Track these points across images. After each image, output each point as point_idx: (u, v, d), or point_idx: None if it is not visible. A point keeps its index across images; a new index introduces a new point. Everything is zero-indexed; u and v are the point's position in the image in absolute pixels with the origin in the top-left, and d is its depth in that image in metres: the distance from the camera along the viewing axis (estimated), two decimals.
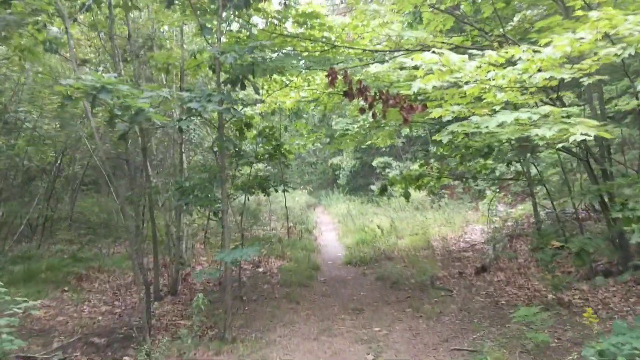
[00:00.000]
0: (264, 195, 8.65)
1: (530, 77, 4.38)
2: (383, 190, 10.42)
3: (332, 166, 27.01)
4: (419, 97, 7.16)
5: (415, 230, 12.82)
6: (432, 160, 10.17)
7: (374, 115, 6.85)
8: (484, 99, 4.94)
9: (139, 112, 4.27)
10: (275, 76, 9.48)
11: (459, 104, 5.18)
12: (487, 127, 4.07)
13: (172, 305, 7.24)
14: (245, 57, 5.56)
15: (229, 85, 6.02)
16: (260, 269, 9.61)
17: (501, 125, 4.10)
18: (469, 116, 5.16)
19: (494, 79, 4.45)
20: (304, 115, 13.94)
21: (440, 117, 5.15)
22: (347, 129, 9.91)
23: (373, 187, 20.40)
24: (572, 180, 13.28)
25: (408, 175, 10.39)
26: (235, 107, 5.54)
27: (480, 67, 4.21)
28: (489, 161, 11.09)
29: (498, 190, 14.75)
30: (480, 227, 14.38)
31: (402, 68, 7.04)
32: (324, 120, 19.13)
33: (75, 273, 8.97)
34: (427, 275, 8.61)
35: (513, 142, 8.54)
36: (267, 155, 8.53)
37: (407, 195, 10.38)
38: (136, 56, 7.55)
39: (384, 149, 24.24)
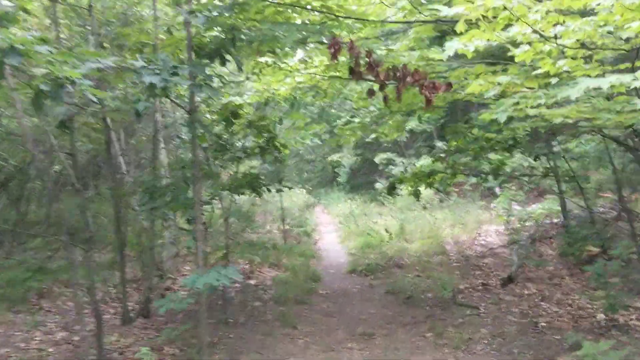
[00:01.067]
0: (255, 197, 7.41)
1: (611, 31, 3.14)
2: (392, 189, 9.16)
3: (332, 163, 25.76)
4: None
5: (425, 233, 11.58)
6: (446, 155, 8.91)
7: (385, 99, 5.62)
8: (538, 68, 3.69)
9: (63, 85, 3.02)
10: (266, 59, 8.26)
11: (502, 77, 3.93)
12: (566, 96, 2.81)
13: (141, 330, 6.00)
14: (222, 20, 4.31)
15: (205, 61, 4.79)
16: (252, 281, 8.37)
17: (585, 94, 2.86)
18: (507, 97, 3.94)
19: (559, 37, 3.21)
20: (302, 106, 12.66)
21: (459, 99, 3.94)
22: (349, 120, 8.65)
23: (377, 185, 19.16)
24: (593, 173, 12.10)
25: (419, 171, 9.17)
26: (211, 84, 4.29)
27: (548, 13, 2.96)
28: (506, 155, 9.93)
29: (526, 187, 13.54)
30: (495, 228, 13.17)
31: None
32: (323, 114, 17.85)
33: (38, 289, 7.71)
34: (445, 287, 7.38)
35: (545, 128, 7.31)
36: (258, 150, 7.31)
37: (417, 194, 9.19)
38: (98, 35, 6.29)
39: (386, 145, 22.99)
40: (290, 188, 7.61)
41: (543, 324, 5.75)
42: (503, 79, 3.53)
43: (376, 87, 5.52)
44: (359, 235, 12.60)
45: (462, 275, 8.38)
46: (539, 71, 3.68)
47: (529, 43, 3.38)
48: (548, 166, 9.06)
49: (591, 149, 11.75)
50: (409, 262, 9.54)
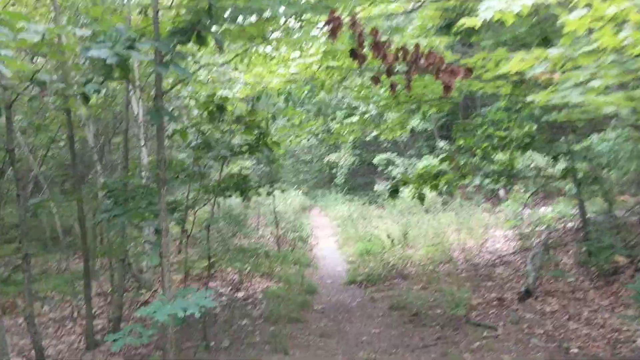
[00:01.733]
0: (243, 201, 6.59)
1: None
2: (394, 192, 8.36)
3: (329, 164, 24.95)
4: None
5: (430, 238, 10.77)
6: (455, 154, 8.12)
7: (393, 87, 4.81)
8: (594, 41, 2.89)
9: None
10: (256, 49, 7.47)
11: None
12: None
13: (108, 356, 5.17)
14: None
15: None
16: (241, 294, 7.54)
17: None
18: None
19: None
20: (298, 103, 11.86)
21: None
22: (350, 114, 7.82)
23: (377, 187, 18.36)
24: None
25: (424, 173, 8.39)
26: (180, 63, 3.47)
27: None
28: (514, 155, 9.19)
29: (532, 189, 12.75)
30: (502, 233, 12.38)
31: None
32: (321, 111, 17.05)
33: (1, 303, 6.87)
34: (457, 302, 6.57)
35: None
36: (246, 148, 6.49)
37: (422, 198, 8.42)
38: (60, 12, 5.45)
39: (386, 145, 22.21)
40: (283, 190, 6.80)
41: (575, 349, 4.94)
42: (553, 52, 2.73)
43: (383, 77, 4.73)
44: (358, 240, 11.80)
45: (473, 287, 7.57)
46: (593, 45, 2.87)
47: (589, 5, 2.57)
48: (565, 166, 8.29)
49: (605, 147, 10.98)
50: (414, 272, 8.73)
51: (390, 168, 19.00)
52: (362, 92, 8.20)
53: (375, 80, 4.95)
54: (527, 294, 6.90)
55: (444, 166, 8.36)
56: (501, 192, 19.44)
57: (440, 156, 8.92)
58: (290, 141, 10.39)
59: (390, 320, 6.40)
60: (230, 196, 6.71)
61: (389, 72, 4.52)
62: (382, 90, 6.62)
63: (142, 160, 8.00)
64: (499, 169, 8.88)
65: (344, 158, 23.06)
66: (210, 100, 6.39)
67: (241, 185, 6.60)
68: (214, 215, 6.17)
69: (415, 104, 6.75)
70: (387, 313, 6.69)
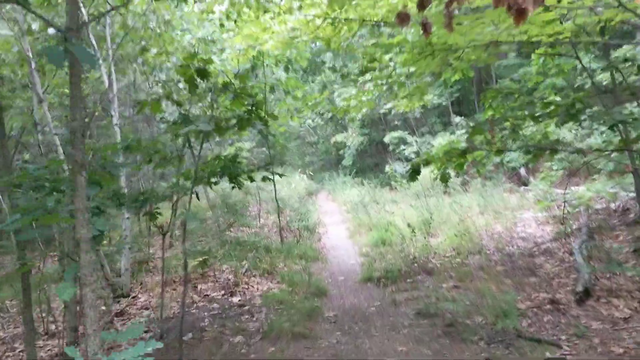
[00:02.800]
0: (233, 188, 5.30)
1: None
2: (415, 173, 7.02)
3: (336, 145, 23.62)
4: None
5: (454, 225, 9.46)
6: (492, 126, 6.77)
7: (425, 27, 3.48)
8: None
9: None
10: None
11: None
12: None
13: None
14: None
15: None
16: (236, 299, 6.29)
17: None
18: None
19: None
20: (299, 73, 10.49)
21: None
22: (362, 71, 6.43)
23: (388, 168, 17.01)
24: None
25: (451, 149, 7.07)
26: None
27: None
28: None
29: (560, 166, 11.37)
30: (532, 215, 11.06)
31: None
32: (326, 89, 15.73)
33: None
34: (499, 306, 5.31)
35: None
36: (234, 121, 5.19)
37: (446, 179, 7.14)
38: None
39: (396, 123, 20.79)
40: (281, 175, 5.51)
41: None
42: None
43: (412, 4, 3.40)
44: (372, 228, 10.53)
45: (515, 285, 6.28)
46: None
47: None
48: (623, 137, 6.94)
49: None
50: (440, 266, 7.46)
51: (402, 147, 17.64)
52: (374, 56, 6.84)
53: (403, 19, 3.62)
54: (586, 294, 5.62)
55: (475, 140, 7.05)
56: (522, 171, 18.08)
57: (470, 128, 7.56)
58: (292, 117, 9.08)
59: (419, 332, 5.13)
60: (216, 183, 5.42)
61: (422, 4, 3.22)
62: (411, 34, 5.24)
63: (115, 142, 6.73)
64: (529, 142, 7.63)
65: (351, 138, 21.70)
66: (189, 63, 5.12)
67: (230, 169, 5.32)
68: (189, 210, 4.85)
69: (455, 55, 5.31)
70: (414, 322, 5.42)
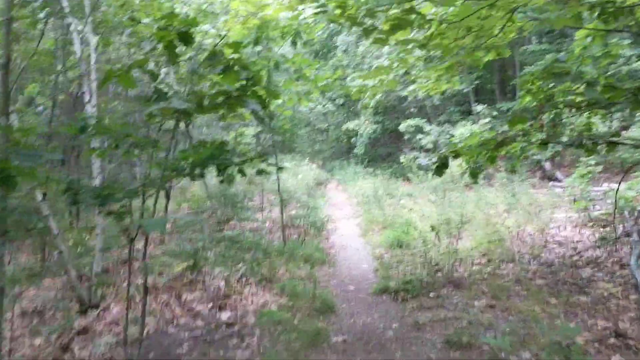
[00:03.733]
0: (221, 182, 4.22)
1: None
2: (442, 167, 5.87)
3: (347, 132, 22.47)
4: None
5: (481, 225, 8.34)
6: (542, 114, 5.63)
7: None
8: None
9: None
10: None
11: None
12: None
13: None
14: None
15: None
16: (225, 314, 5.24)
17: None
18: None
19: None
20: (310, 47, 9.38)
21: None
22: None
23: (403, 158, 15.85)
24: None
25: (487, 141, 5.94)
26: None
27: None
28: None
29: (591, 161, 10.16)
30: (565, 215, 9.92)
31: None
32: (338, 70, 14.56)
33: None
34: (548, 335, 4.22)
35: None
36: (222, 99, 4.10)
37: (476, 174, 6.03)
38: None
39: (412, 110, 19.58)
40: (280, 168, 4.42)
41: None
42: None
43: None
44: (386, 225, 9.44)
45: (562, 306, 5.18)
46: None
47: None
48: None
49: None
50: (469, 277, 6.36)
51: (419, 136, 16.45)
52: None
53: None
54: None
55: (518, 129, 5.93)
56: (547, 165, 16.84)
57: (509, 116, 6.42)
58: (300, 101, 7.97)
59: None
60: (202, 176, 4.34)
61: None
62: None
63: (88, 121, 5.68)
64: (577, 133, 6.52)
65: (364, 126, 20.53)
66: (168, 24, 4.05)
67: (217, 159, 4.23)
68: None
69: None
70: (443, 355, 4.34)
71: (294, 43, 7.22)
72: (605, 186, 11.57)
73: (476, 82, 19.19)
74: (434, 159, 5.93)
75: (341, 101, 23.43)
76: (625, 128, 14.16)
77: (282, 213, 8.19)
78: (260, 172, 4.19)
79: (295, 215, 9.16)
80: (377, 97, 7.71)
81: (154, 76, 4.15)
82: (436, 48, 4.89)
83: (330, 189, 17.63)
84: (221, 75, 4.27)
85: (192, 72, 3.99)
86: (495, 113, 15.95)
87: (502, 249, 7.36)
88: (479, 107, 15.98)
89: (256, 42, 7.22)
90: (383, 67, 5.51)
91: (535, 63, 16.53)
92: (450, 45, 4.93)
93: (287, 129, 13.50)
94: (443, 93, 17.33)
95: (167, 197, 4.21)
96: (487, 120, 14.56)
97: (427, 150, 16.68)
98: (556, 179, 14.68)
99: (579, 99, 5.67)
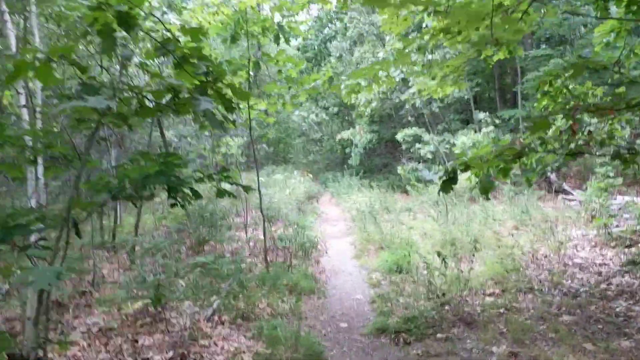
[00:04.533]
0: (172, 207, 3.25)
1: None
2: (451, 182, 4.89)
3: (342, 142, 21.53)
4: None
5: (491, 245, 7.38)
6: (574, 119, 4.71)
7: None
8: None
9: None
10: None
11: None
12: None
13: None
14: None
15: None
16: None
17: None
18: None
19: None
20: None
21: None
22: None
23: (400, 169, 14.91)
24: None
25: (504, 151, 4.99)
26: None
27: None
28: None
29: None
30: (580, 232, 8.97)
31: None
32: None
33: None
34: None
35: None
36: (169, 96, 3.15)
37: (488, 189, 5.03)
38: None
39: (409, 119, 18.67)
40: (247, 189, 3.45)
41: None
42: None
43: None
44: (383, 246, 8.46)
45: (602, 352, 4.21)
46: None
47: None
48: None
49: None
50: (482, 312, 5.37)
51: (417, 146, 15.52)
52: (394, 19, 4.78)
53: None
54: None
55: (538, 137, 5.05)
56: (552, 176, 15.91)
57: (531, 122, 5.50)
58: (284, 105, 7.01)
59: None
60: (150, 197, 3.37)
61: None
62: None
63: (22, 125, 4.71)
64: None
65: (359, 135, 19.60)
66: (104, 2, 3.15)
67: (168, 175, 3.26)
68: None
69: None
70: None
71: (276, 38, 6.29)
72: (620, 199, 10.64)
73: (476, 89, 18.36)
74: (441, 173, 4.96)
75: (335, 110, 22.55)
76: (638, 136, 13.29)
77: (264, 235, 7.18)
78: (220, 195, 3.22)
79: (281, 235, 8.15)
80: (373, 105, 6.77)
81: (81, 68, 3.19)
82: (446, 36, 3.97)
83: (323, 202, 16.65)
84: (175, 70, 3.38)
85: (126, 59, 3.02)
86: (497, 121, 15.07)
87: (518, 275, 6.39)
88: (480, 115, 15.09)
89: (233, 39, 6.28)
90: (380, 62, 4.58)
91: (537, 68, 15.70)
92: (463, 33, 4.01)
93: (271, 138, 12.53)
94: (443, 100, 16.48)
95: (138, 215, 3.20)
96: (490, 128, 13.65)
97: (426, 161, 15.76)
98: (564, 191, 13.73)
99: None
